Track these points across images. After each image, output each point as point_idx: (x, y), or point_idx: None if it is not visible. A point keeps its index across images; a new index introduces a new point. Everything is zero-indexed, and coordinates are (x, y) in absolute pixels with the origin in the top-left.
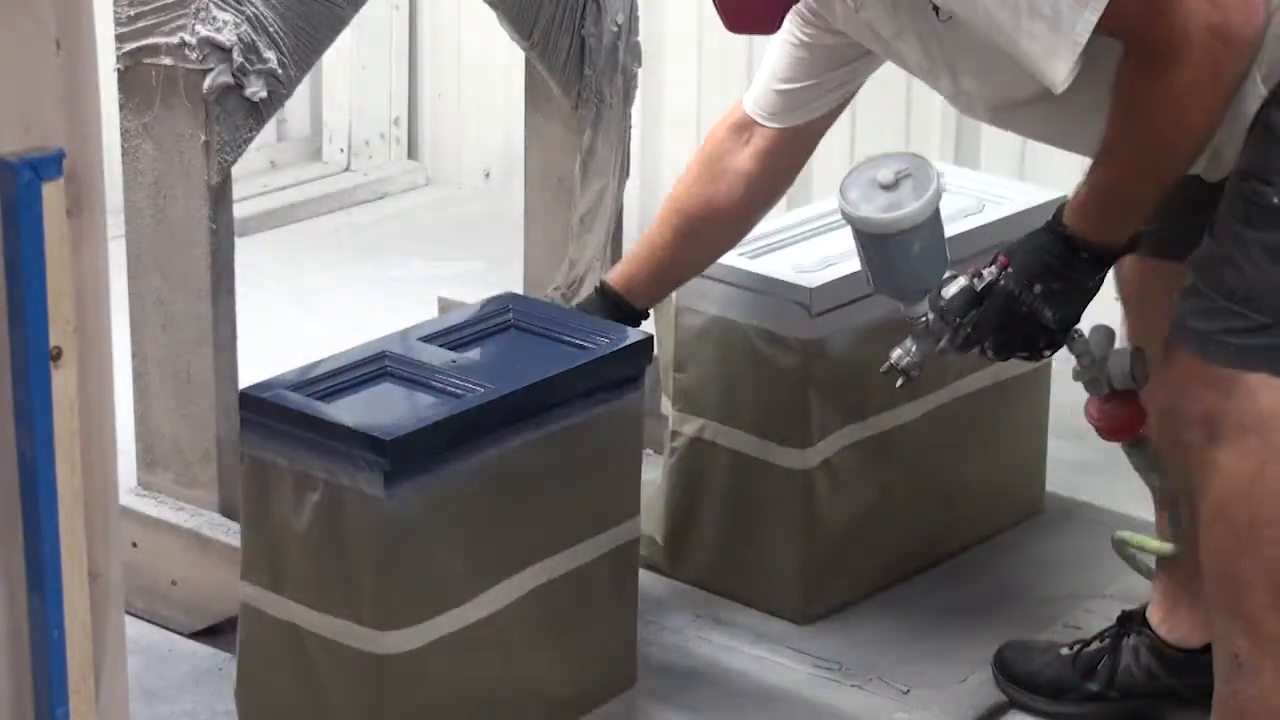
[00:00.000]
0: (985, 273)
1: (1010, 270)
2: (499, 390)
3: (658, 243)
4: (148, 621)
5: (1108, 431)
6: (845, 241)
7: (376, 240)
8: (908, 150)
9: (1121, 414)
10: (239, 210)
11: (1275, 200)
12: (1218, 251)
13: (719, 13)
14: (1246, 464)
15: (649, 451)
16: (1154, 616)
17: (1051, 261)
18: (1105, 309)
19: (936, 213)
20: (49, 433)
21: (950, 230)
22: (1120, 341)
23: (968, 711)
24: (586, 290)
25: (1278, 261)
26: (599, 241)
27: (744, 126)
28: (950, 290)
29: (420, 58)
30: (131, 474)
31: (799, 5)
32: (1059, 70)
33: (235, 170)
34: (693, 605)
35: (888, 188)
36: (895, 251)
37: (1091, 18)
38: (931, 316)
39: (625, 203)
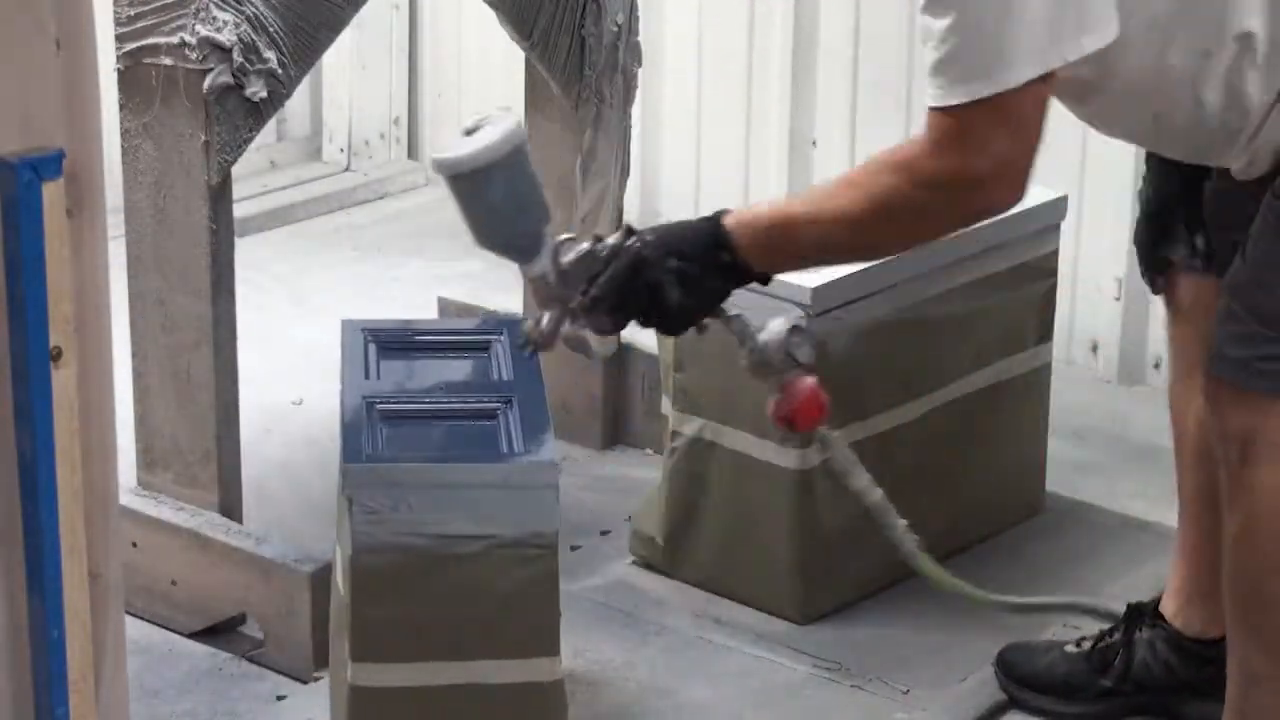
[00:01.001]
0: (609, 239)
1: (649, 237)
2: None
3: None
4: (148, 621)
5: (781, 422)
6: None
7: (376, 240)
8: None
9: (793, 403)
10: (239, 210)
11: None
12: (1250, 274)
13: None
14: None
15: (649, 451)
16: (1168, 608)
17: (693, 247)
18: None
19: (519, 162)
20: (49, 433)
21: None
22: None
23: (968, 711)
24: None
25: None
26: None
27: None
28: (571, 254)
29: (420, 58)
30: (131, 474)
31: None
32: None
33: (235, 170)
34: (693, 605)
35: (469, 132)
36: (472, 194)
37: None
38: (553, 279)
39: (625, 203)
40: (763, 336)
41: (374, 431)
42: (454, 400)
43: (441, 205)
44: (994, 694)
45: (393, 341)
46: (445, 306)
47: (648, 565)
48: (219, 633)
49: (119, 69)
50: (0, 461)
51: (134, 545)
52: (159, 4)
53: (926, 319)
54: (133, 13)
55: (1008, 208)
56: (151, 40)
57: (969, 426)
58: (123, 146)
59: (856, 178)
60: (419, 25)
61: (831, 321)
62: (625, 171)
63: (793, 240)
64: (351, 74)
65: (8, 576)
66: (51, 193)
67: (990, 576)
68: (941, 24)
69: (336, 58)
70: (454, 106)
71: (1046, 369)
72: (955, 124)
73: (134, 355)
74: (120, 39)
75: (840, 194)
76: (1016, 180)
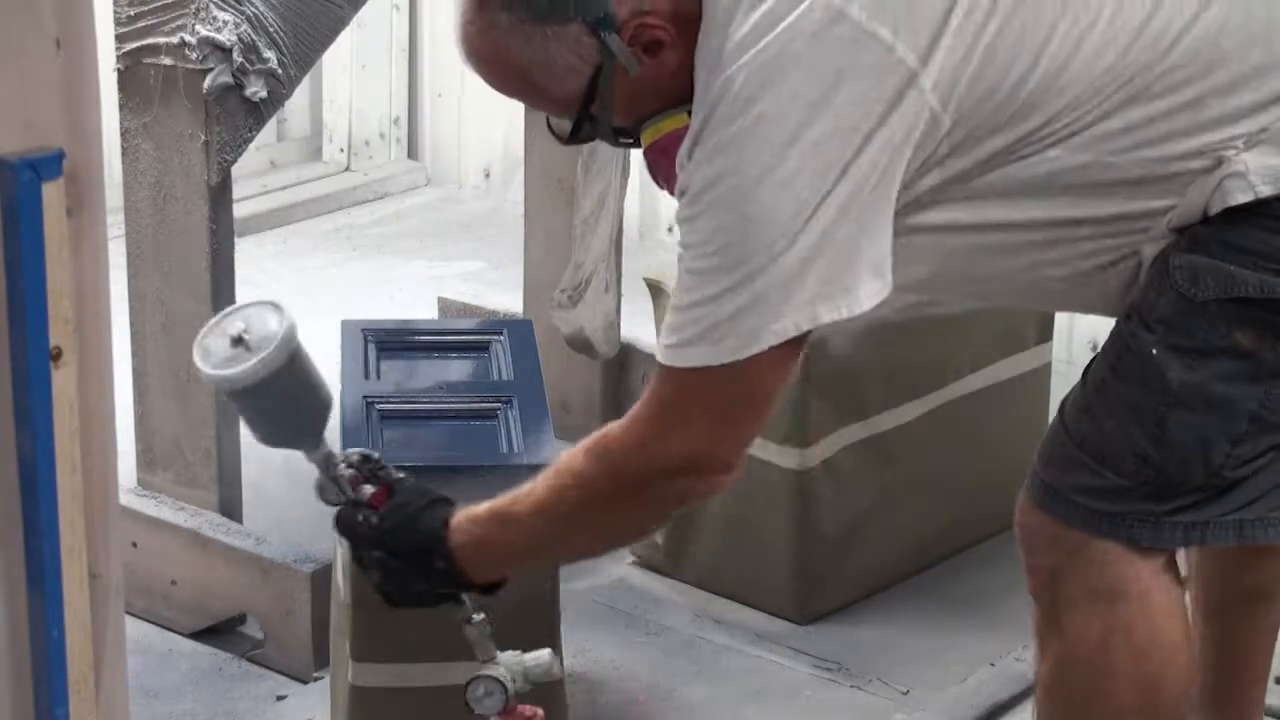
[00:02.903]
0: (360, 489)
1: (375, 520)
2: None
3: None
4: (148, 621)
5: None
6: None
7: (376, 240)
8: (266, 300)
9: None
10: (239, 210)
11: (1153, 351)
12: (1083, 397)
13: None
14: (1091, 632)
15: None
16: None
17: (406, 548)
18: None
19: (298, 365)
20: (49, 433)
21: None
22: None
23: (967, 711)
24: (593, 291)
25: (1141, 422)
26: (603, 243)
27: None
28: (331, 474)
29: (420, 58)
30: (131, 474)
31: None
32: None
33: (235, 170)
34: (693, 605)
35: (237, 340)
36: (252, 403)
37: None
38: (322, 477)
39: (625, 203)
40: (490, 666)
41: (374, 431)
42: (454, 400)
43: (441, 205)
44: (994, 694)
45: (393, 341)
46: (445, 306)
47: (648, 565)
48: (219, 633)
49: (119, 69)
50: (0, 461)
51: (134, 545)
52: (159, 4)
53: (926, 319)
54: (133, 13)
55: (707, 497)
56: (151, 40)
57: (969, 426)
58: (123, 146)
59: (561, 460)
60: (419, 25)
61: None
62: (625, 172)
63: (504, 540)
64: (351, 74)
65: (8, 576)
66: (51, 193)
67: (990, 576)
68: (684, 278)
69: (336, 58)
70: (454, 106)
71: (1046, 369)
72: (664, 390)
73: (134, 355)
74: (120, 39)
75: (543, 480)
76: (717, 469)
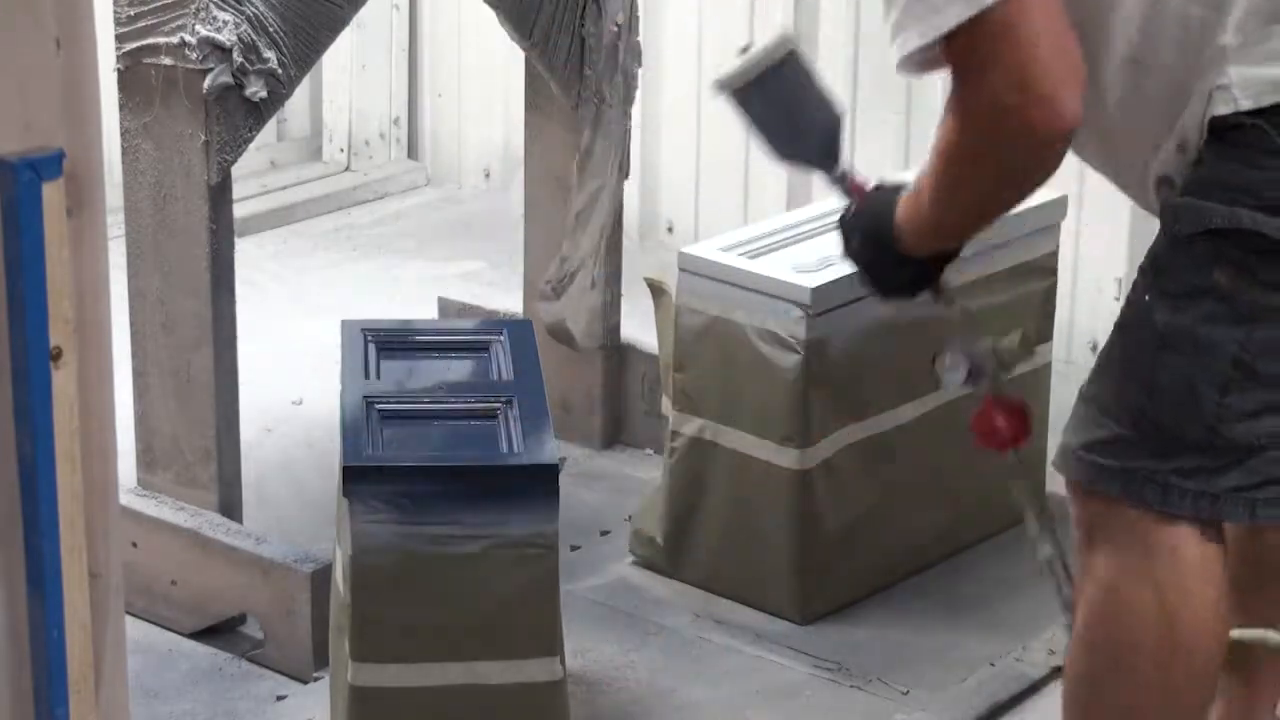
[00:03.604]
0: (855, 188)
1: (857, 213)
2: None
3: None
4: (148, 621)
5: (974, 434)
6: None
7: (376, 240)
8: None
9: (988, 417)
10: (239, 210)
11: (1145, 297)
12: (1096, 363)
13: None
14: (1120, 591)
15: (649, 451)
16: None
17: (871, 227)
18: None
19: (792, 68)
20: (49, 433)
21: None
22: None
23: (967, 711)
24: (578, 286)
25: (1137, 373)
26: (593, 240)
27: None
28: (844, 185)
29: (420, 58)
30: (131, 474)
31: None
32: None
33: (235, 170)
34: (693, 605)
35: (744, 51)
36: (747, 108)
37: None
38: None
39: (625, 202)
40: (955, 344)
41: (374, 431)
42: (454, 400)
43: (441, 205)
44: (994, 694)
45: (393, 341)
46: (445, 306)
47: (648, 565)
48: (219, 633)
49: (119, 69)
50: (0, 461)
51: (134, 545)
52: (159, 4)
53: (926, 319)
54: (133, 13)
55: (1052, 127)
56: (151, 40)
57: (969, 426)
58: (123, 146)
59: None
60: (419, 25)
61: (831, 321)
62: (624, 171)
63: (919, 213)
64: (351, 74)
65: (8, 576)
66: (51, 193)
67: (990, 576)
68: None
69: (336, 58)
70: (454, 106)
71: (1046, 369)
72: (957, 50)
73: (134, 355)
74: (120, 39)
75: (932, 148)
76: (1043, 93)
